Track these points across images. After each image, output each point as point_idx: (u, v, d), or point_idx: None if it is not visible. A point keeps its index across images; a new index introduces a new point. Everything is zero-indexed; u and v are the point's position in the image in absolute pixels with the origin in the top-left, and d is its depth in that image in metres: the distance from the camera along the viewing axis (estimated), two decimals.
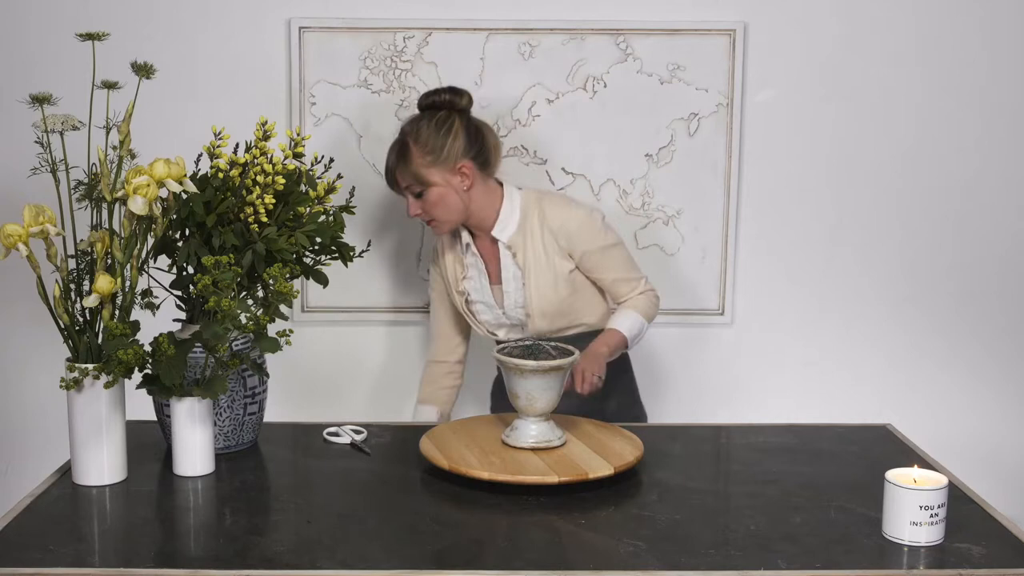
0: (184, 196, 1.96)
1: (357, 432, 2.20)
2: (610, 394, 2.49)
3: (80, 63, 2.07)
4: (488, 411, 2.70)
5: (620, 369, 2.56)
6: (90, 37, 1.96)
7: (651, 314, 2.52)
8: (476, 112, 2.50)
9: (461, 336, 2.67)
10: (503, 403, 2.43)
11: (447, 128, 2.42)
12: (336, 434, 2.19)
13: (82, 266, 1.95)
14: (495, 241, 2.49)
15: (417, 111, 2.50)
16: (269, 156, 2.02)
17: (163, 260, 2.08)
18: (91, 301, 1.87)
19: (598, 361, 2.33)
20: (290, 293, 1.90)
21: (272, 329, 1.97)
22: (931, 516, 1.66)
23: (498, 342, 2.51)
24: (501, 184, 2.51)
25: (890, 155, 3.00)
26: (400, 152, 2.43)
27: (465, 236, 2.52)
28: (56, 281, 1.90)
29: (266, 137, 2.04)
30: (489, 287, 2.52)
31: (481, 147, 2.45)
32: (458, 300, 2.57)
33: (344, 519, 1.79)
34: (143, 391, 1.96)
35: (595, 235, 2.48)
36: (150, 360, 1.89)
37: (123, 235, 1.91)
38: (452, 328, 2.65)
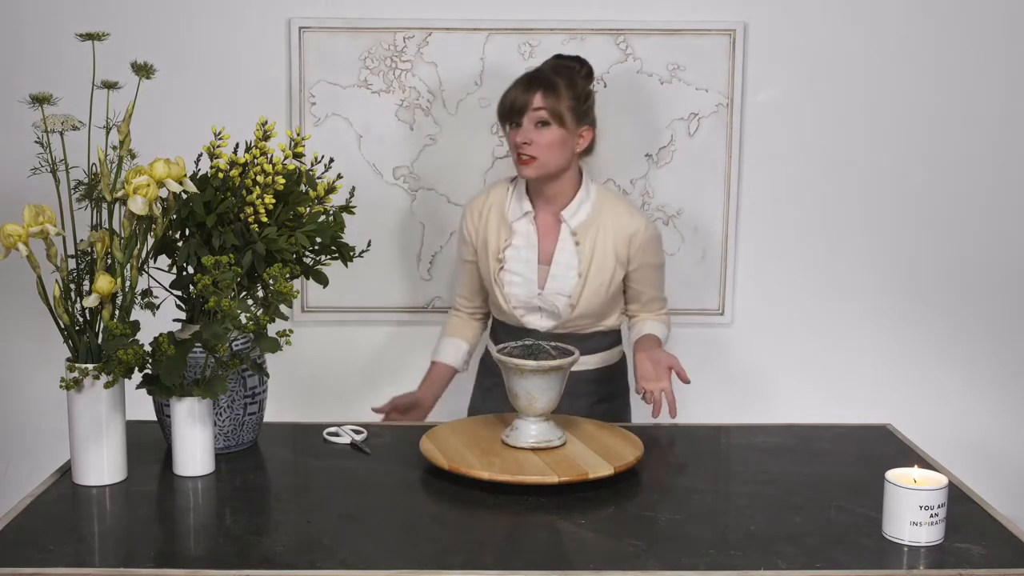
0: (184, 196, 1.96)
1: (357, 432, 2.20)
2: (609, 397, 2.50)
3: (80, 63, 2.06)
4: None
5: (620, 371, 2.56)
6: (90, 37, 1.96)
7: (669, 333, 2.56)
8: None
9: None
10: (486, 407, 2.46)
11: (591, 93, 2.42)
12: (336, 434, 2.19)
13: (82, 266, 1.95)
14: (559, 221, 2.42)
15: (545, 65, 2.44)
16: (269, 156, 2.02)
17: (163, 260, 2.07)
18: (91, 301, 1.87)
19: (667, 377, 2.29)
20: (290, 293, 1.90)
21: (272, 329, 1.97)
22: (931, 516, 1.66)
23: (505, 333, 2.50)
24: (581, 171, 2.46)
25: (890, 155, 3.00)
26: (549, 83, 2.35)
27: (526, 204, 2.44)
28: (56, 281, 1.90)
29: (266, 137, 2.04)
30: (536, 263, 2.43)
31: (595, 130, 2.45)
32: (493, 267, 2.45)
33: (344, 519, 1.79)
34: (143, 391, 1.96)
35: (657, 252, 2.47)
36: (150, 360, 1.89)
37: (123, 235, 1.91)
38: (480, 286, 2.57)
